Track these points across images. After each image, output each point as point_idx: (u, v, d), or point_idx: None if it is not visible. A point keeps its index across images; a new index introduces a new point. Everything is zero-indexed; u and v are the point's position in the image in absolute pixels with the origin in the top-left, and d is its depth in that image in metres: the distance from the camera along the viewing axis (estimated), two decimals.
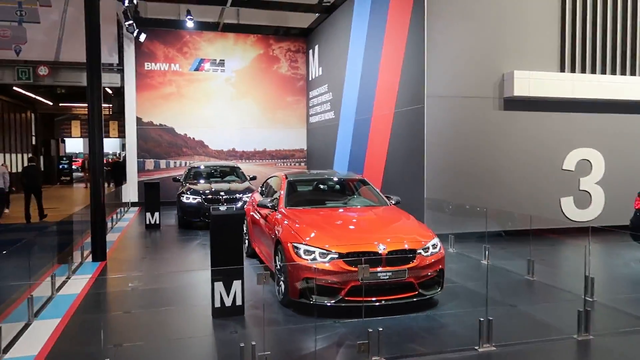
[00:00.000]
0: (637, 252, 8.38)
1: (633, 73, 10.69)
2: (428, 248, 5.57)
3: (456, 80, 9.71)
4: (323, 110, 16.10)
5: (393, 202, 7.06)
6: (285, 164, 17.95)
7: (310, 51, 17.48)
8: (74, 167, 30.87)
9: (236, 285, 5.22)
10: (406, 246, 5.47)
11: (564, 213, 10.26)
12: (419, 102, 9.69)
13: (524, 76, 9.70)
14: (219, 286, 5.17)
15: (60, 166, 30.25)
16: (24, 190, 13.20)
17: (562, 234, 9.85)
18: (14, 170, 21.08)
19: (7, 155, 21.45)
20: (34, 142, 27.71)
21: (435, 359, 4.32)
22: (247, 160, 17.40)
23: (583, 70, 10.40)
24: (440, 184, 9.60)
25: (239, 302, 5.24)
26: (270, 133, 17.70)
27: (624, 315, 5.51)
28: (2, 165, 14.82)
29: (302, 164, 18.10)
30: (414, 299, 5.38)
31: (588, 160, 10.38)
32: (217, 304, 5.19)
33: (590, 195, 10.40)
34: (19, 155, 24.94)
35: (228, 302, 5.21)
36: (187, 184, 11.89)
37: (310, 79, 17.66)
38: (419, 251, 5.45)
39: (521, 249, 7.95)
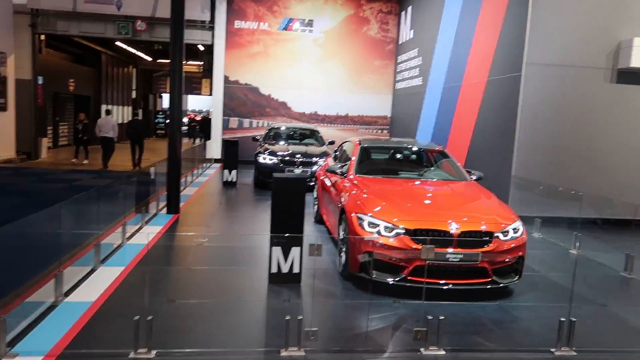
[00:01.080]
0: None
1: None
2: (508, 232, 4.99)
3: (561, 47, 8.61)
4: (410, 76, 15.30)
5: (474, 178, 6.45)
6: (367, 130, 17.47)
7: (403, 13, 16.57)
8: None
9: (294, 252, 5.01)
10: (483, 228, 4.93)
11: None
12: (517, 69, 8.76)
13: None
14: (277, 251, 4.99)
15: (157, 120, 32.05)
16: (130, 141, 14.92)
17: None
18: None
19: (111, 107, 22.87)
20: (134, 96, 29.43)
21: (503, 357, 3.86)
22: (329, 125, 17.12)
23: None
24: (531, 162, 8.71)
25: (296, 269, 5.05)
26: (354, 98, 17.21)
27: None
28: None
29: (385, 131, 17.51)
30: (487, 287, 4.88)
31: None
32: (274, 270, 5.04)
33: None
34: (121, 108, 26.66)
35: (285, 268, 5.03)
36: (266, 144, 11.90)
37: (400, 42, 16.81)
38: (496, 234, 4.90)
39: (619, 241, 7.04)
